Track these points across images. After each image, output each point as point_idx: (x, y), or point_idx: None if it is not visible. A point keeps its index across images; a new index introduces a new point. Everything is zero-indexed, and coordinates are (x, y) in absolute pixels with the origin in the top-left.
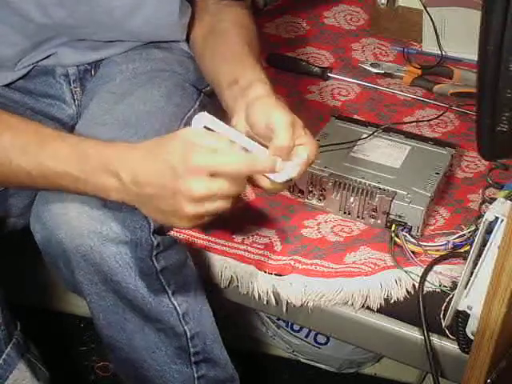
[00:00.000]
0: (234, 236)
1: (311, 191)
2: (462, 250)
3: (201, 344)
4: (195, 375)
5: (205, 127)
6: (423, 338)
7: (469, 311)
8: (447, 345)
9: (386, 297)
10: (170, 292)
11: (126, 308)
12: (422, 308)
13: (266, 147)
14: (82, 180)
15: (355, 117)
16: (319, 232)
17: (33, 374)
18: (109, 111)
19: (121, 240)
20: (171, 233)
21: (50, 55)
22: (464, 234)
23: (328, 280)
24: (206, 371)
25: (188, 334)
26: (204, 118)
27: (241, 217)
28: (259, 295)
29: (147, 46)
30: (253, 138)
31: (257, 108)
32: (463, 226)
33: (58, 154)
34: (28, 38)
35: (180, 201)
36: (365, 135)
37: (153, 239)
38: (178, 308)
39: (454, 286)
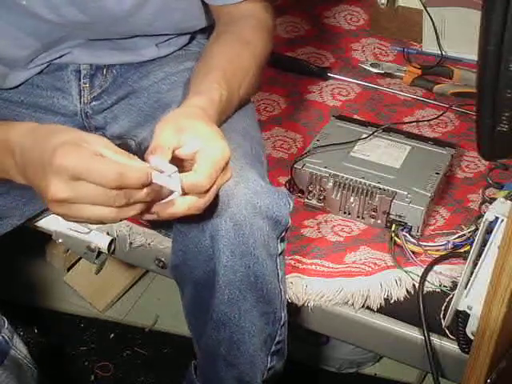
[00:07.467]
0: None
1: (311, 191)
2: (461, 250)
3: (284, 333)
4: (268, 365)
5: None
6: (423, 338)
7: (469, 311)
8: (447, 345)
9: (385, 297)
10: (280, 276)
11: (249, 285)
12: (421, 308)
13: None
14: None
15: (355, 117)
16: (319, 232)
17: (18, 371)
18: None
19: (268, 215)
20: None
21: (64, 54)
22: (464, 234)
23: (328, 280)
24: (275, 363)
25: (282, 320)
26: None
27: None
28: None
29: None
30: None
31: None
32: (463, 226)
33: None
34: (40, 40)
35: (45, 196)
36: (365, 135)
37: (289, 220)
38: (282, 293)
39: (454, 286)
